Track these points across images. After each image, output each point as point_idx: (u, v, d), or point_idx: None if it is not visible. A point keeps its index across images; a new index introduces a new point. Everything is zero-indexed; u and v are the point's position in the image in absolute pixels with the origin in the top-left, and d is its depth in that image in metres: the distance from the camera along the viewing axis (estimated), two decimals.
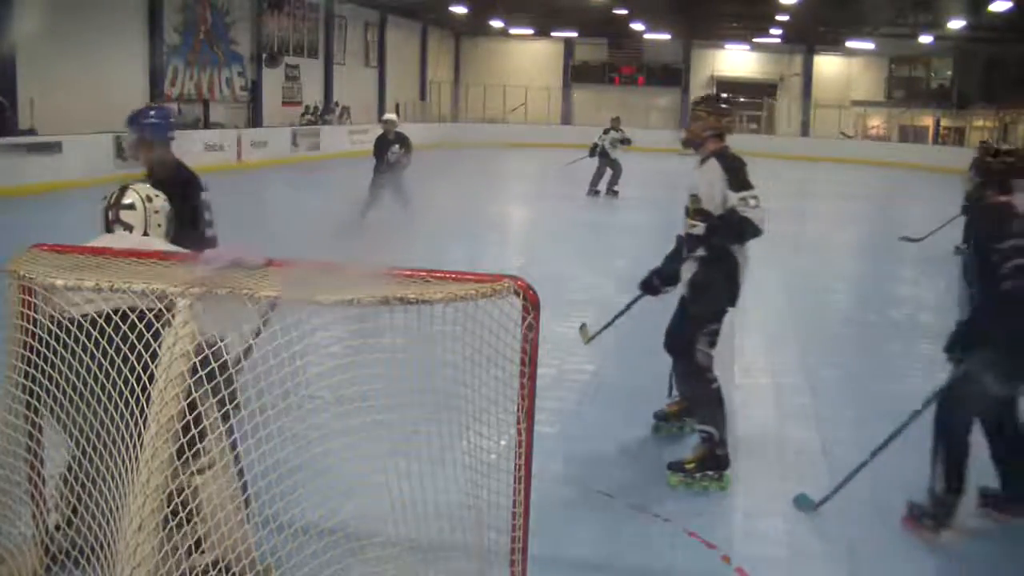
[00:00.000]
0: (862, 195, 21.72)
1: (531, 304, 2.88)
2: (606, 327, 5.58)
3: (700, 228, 4.60)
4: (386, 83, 34.09)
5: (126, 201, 3.61)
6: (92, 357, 2.86)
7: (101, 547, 2.88)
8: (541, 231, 14.59)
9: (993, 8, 23.71)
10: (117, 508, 2.81)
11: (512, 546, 3.07)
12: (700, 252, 4.63)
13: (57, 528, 3.32)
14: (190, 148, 20.16)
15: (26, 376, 3.03)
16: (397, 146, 12.18)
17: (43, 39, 16.69)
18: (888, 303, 9.53)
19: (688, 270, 4.73)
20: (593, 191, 18.03)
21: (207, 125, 22.99)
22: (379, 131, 12.78)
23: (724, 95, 5.30)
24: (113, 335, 2.82)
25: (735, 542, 3.97)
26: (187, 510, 2.83)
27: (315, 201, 14.42)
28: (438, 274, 2.92)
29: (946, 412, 4.11)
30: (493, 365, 3.00)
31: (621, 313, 5.48)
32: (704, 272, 4.64)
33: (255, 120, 25.50)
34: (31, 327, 3.07)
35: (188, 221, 4.12)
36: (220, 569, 2.90)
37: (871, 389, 6.33)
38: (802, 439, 5.26)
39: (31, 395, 3.07)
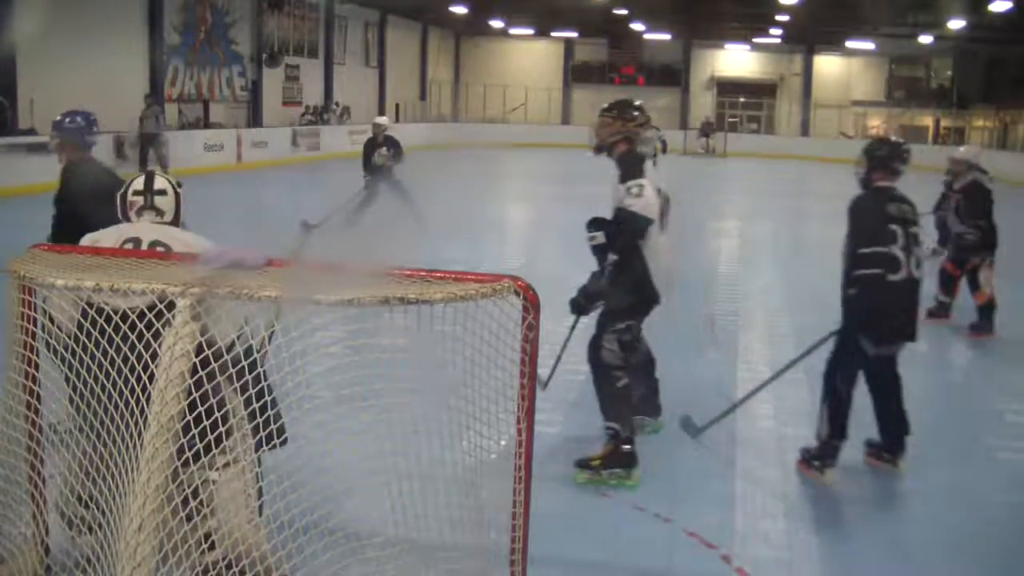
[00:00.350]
0: None
1: (531, 304, 2.88)
2: (556, 365, 5.22)
3: (600, 237, 4.56)
4: (386, 83, 34.09)
5: (158, 187, 3.58)
6: (132, 349, 2.82)
7: (102, 547, 2.88)
8: (541, 231, 14.59)
9: (993, 8, 23.71)
10: (119, 508, 2.81)
11: (512, 546, 3.07)
12: (612, 257, 4.57)
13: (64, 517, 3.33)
14: (190, 148, 20.22)
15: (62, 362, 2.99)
16: (385, 148, 12.07)
17: (43, 39, 16.69)
18: None
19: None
20: None
21: (207, 125, 22.98)
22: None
23: (638, 102, 5.36)
24: (162, 330, 2.82)
25: (735, 542, 3.97)
26: (192, 505, 2.82)
27: (314, 201, 14.45)
28: (438, 274, 2.92)
29: (830, 371, 4.71)
30: (493, 365, 3.00)
31: (565, 344, 5.16)
32: (613, 274, 4.61)
33: (255, 120, 25.50)
34: (32, 327, 3.07)
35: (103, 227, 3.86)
36: (221, 567, 2.90)
37: None
38: (802, 439, 5.25)
39: (28, 389, 3.06)
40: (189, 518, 2.82)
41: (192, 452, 2.78)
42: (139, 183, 3.59)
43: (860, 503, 4.43)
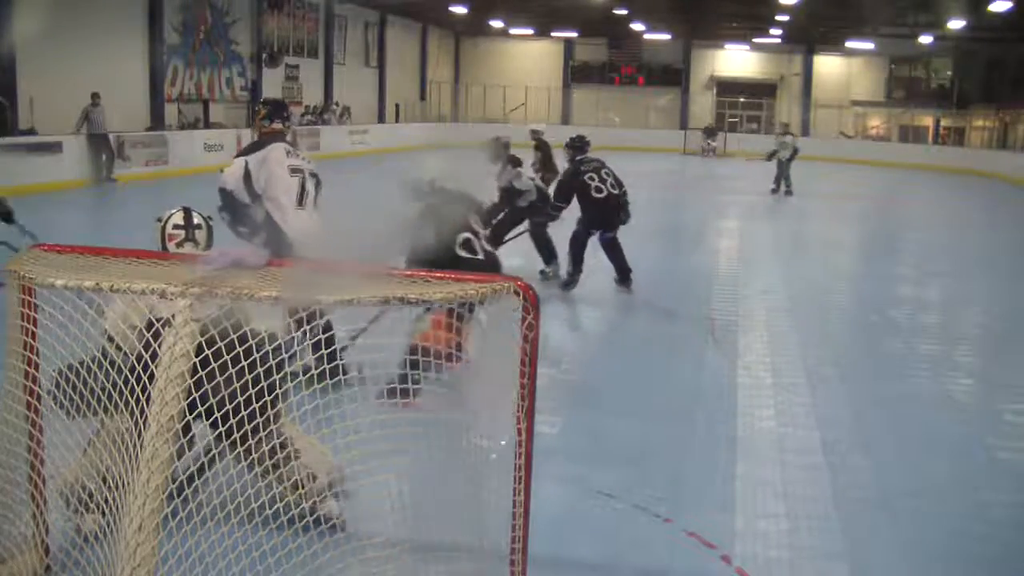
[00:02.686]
0: (862, 195, 21.74)
1: (531, 304, 2.87)
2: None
3: (226, 217, 5.46)
4: (386, 83, 34.09)
5: (196, 222, 4.11)
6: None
7: (101, 547, 2.88)
8: None
9: (993, 8, 23.70)
10: (119, 508, 2.81)
11: (512, 546, 3.07)
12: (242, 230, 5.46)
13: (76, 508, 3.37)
14: (190, 148, 20.21)
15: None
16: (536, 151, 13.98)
17: (43, 39, 16.68)
18: (888, 303, 9.52)
19: None
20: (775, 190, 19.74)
21: (207, 125, 22.97)
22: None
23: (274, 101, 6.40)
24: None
25: (735, 542, 3.96)
26: (279, 456, 3.32)
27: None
28: (438, 274, 2.92)
29: (574, 239, 8.67)
30: None
31: None
32: (251, 237, 5.36)
33: (255, 120, 25.46)
34: (32, 327, 3.06)
35: None
36: (324, 486, 3.57)
37: (871, 389, 6.33)
38: (802, 439, 5.26)
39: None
40: (283, 464, 3.37)
41: (264, 418, 3.07)
42: (179, 218, 4.08)
43: (860, 503, 4.43)
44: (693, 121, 36.36)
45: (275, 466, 3.31)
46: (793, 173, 19.74)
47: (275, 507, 3.24)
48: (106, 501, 2.90)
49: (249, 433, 3.01)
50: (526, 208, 9.20)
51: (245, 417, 2.93)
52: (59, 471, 3.29)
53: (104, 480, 2.94)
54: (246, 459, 3.28)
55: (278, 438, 3.38)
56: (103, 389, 2.93)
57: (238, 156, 5.65)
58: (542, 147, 14.10)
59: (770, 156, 20.31)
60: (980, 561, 3.97)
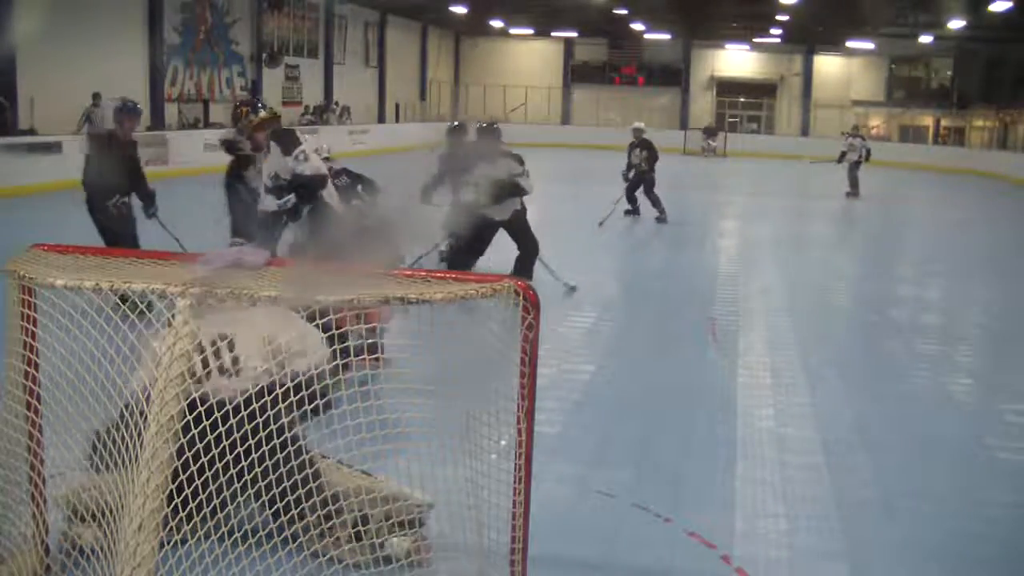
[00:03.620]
0: (862, 195, 21.72)
1: (531, 304, 2.87)
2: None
3: (292, 199, 5.80)
4: (386, 83, 34.10)
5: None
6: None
7: (101, 547, 2.87)
8: (541, 231, 14.54)
9: (993, 8, 23.71)
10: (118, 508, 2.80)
11: (512, 546, 3.07)
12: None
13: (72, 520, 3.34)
14: (190, 148, 20.20)
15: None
16: (639, 149, 14.23)
17: (43, 39, 16.68)
18: (888, 303, 9.52)
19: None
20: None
21: (207, 125, 22.97)
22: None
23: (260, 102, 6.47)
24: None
25: (735, 542, 3.96)
26: (312, 484, 3.17)
27: None
28: (438, 274, 2.92)
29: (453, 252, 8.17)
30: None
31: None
32: (312, 224, 5.69)
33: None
34: (32, 327, 3.06)
35: None
36: (372, 513, 3.35)
37: (871, 389, 6.33)
38: (802, 439, 5.25)
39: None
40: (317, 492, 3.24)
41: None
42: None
43: (860, 504, 4.42)
44: (693, 121, 36.36)
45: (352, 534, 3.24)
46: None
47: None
48: (102, 515, 2.89)
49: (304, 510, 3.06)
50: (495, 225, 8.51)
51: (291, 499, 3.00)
52: (60, 473, 3.29)
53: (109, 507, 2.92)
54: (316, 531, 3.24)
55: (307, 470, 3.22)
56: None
57: (297, 152, 5.87)
58: (647, 145, 14.38)
59: (840, 158, 20.06)
60: (979, 561, 3.97)
